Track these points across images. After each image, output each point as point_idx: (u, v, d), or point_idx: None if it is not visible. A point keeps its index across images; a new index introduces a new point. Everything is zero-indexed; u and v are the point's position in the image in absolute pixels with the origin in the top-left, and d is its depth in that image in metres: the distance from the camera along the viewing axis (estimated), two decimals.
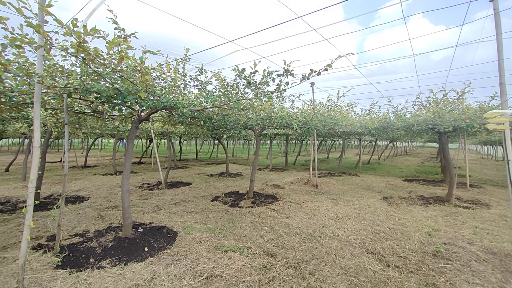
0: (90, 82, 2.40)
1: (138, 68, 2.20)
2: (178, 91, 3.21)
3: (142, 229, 4.02)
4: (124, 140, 22.83)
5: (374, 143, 17.86)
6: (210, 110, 3.54)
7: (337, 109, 4.85)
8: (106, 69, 2.28)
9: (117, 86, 2.42)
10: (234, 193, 6.92)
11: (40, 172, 5.10)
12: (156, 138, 11.65)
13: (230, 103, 3.00)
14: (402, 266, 2.94)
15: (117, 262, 2.91)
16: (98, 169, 12.18)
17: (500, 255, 3.21)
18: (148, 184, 8.41)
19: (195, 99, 3.52)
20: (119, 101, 2.92)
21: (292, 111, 5.11)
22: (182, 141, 23.62)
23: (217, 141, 13.05)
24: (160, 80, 3.07)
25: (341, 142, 29.48)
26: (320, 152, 27.77)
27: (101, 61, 2.07)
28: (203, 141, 29.26)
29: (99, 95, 2.73)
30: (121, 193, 3.45)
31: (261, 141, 34.42)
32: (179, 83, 3.21)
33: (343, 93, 4.54)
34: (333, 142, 21.36)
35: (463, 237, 3.75)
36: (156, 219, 4.52)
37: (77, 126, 5.14)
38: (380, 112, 6.07)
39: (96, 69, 2.18)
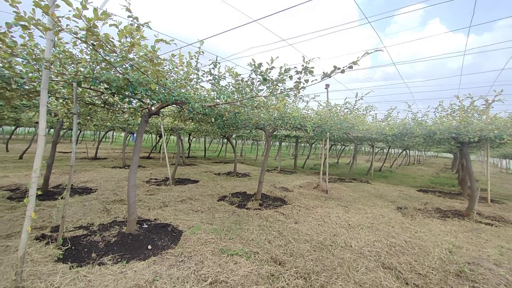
0: (100, 71, 2.29)
1: (150, 56, 2.07)
2: (190, 85, 3.08)
3: (146, 226, 3.91)
4: (135, 134, 23.19)
5: (387, 151, 17.33)
6: (222, 106, 3.40)
7: (354, 112, 4.62)
8: (117, 58, 2.17)
9: (128, 76, 2.31)
10: (241, 194, 6.77)
11: (48, 162, 5.12)
12: (166, 134, 11.65)
13: (244, 100, 2.85)
14: (422, 285, 2.69)
15: (119, 259, 2.79)
16: (107, 162, 12.31)
17: None
18: (156, 179, 8.37)
19: (207, 94, 3.38)
20: (129, 93, 2.81)
21: (306, 113, 4.91)
22: (191, 138, 23.75)
23: (226, 139, 12.94)
24: (172, 73, 2.95)
25: (352, 147, 28.94)
26: (330, 157, 27.31)
27: (111, 48, 1.96)
28: (212, 139, 29.34)
29: (108, 86, 2.62)
30: (127, 188, 3.35)
31: (270, 142, 34.21)
32: (191, 76, 3.08)
33: (362, 96, 4.31)
34: (344, 147, 20.93)
35: (489, 257, 3.45)
36: (162, 216, 4.41)
37: (88, 117, 5.12)
38: (398, 118, 5.78)
39: (106, 56, 2.07)
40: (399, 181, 11.71)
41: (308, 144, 20.48)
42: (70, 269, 2.55)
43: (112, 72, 2.39)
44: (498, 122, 4.33)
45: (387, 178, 12.58)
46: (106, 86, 2.79)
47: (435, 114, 5.18)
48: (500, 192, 9.94)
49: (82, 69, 2.38)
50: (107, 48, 1.98)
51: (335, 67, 2.15)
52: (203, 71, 2.93)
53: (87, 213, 4.30)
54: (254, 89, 2.77)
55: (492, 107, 4.08)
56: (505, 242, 4.10)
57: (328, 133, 6.22)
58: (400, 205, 6.49)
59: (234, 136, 13.97)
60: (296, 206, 5.66)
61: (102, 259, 2.78)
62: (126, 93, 2.89)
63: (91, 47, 1.99)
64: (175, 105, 4.28)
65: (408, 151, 22.60)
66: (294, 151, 15.33)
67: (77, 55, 2.33)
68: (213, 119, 3.85)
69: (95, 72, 2.29)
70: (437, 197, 8.19)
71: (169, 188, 6.88)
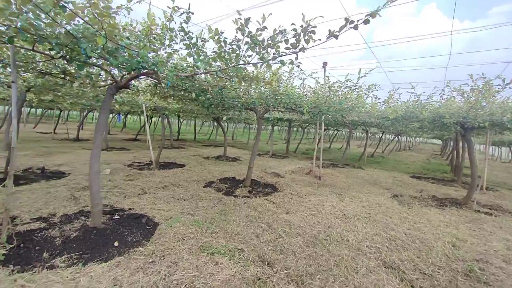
0: (24, 19, 1.67)
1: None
2: (162, 49, 2.48)
3: (118, 217, 3.42)
4: (122, 115, 22.11)
5: (380, 136, 17.12)
6: (203, 78, 2.83)
7: (356, 91, 4.11)
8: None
9: (68, 27, 1.71)
10: (230, 179, 6.33)
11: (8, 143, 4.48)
12: (151, 114, 10.92)
13: (229, 68, 2.29)
14: None
15: (76, 261, 2.32)
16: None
17: None
18: (139, 163, 7.81)
19: (185, 64, 2.79)
20: (85, 57, 2.20)
21: (302, 92, 4.38)
22: (181, 120, 22.89)
23: (216, 122, 12.31)
24: (136, 30, 2.33)
25: (344, 132, 28.71)
26: (323, 142, 27.10)
27: None
28: (202, 122, 28.49)
29: (52, 45, 2.00)
30: (89, 175, 2.82)
31: (262, 126, 33.53)
32: (165, 38, 2.47)
33: (365, 73, 3.80)
34: (337, 132, 20.63)
35: (496, 253, 3.17)
36: (138, 205, 3.92)
37: (51, 92, 4.42)
38: (400, 100, 5.32)
39: None
40: (392, 167, 11.54)
41: (301, 128, 20.06)
42: (9, 274, 2.06)
43: (47, 22, 1.77)
44: (511, 106, 3.94)
45: (380, 164, 12.41)
46: (50, 46, 2.15)
47: (441, 97, 4.75)
48: (492, 179, 9.90)
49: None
50: None
51: (346, 20, 1.61)
52: (176, 32, 2.32)
53: (50, 202, 3.76)
54: (241, 54, 2.21)
55: (510, 87, 3.67)
56: (509, 235, 3.85)
57: (323, 116, 5.73)
58: (396, 193, 6.22)
59: (224, 118, 13.33)
60: (287, 193, 5.27)
61: (54, 260, 2.29)
62: (80, 58, 2.27)
63: None
64: (150, 79, 3.66)
65: (400, 137, 22.56)
66: (287, 135, 14.89)
67: None
68: (193, 95, 3.27)
69: (20, 19, 1.67)
70: (431, 183, 8.00)
71: (152, 173, 6.35)
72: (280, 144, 19.96)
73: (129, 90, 4.38)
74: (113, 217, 3.39)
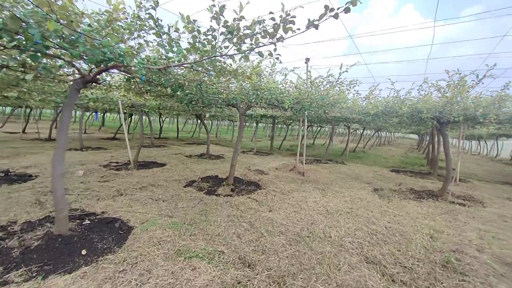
0: None
1: None
2: (131, 39, 2.28)
3: (88, 222, 3.18)
4: (99, 113, 21.07)
5: (361, 132, 17.57)
6: (180, 72, 2.65)
7: (337, 86, 4.09)
8: None
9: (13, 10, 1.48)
10: (212, 178, 6.16)
11: None
12: (129, 112, 10.43)
13: (204, 60, 2.14)
14: (409, 282, 2.37)
15: (35, 274, 2.09)
16: None
17: None
18: (116, 163, 7.42)
19: (157, 56, 2.59)
20: (39, 46, 1.95)
21: (284, 87, 4.29)
22: (163, 118, 22.20)
23: (199, 120, 12.00)
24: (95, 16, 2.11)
25: (327, 129, 29.25)
26: (306, 138, 27.43)
27: None
28: (186, 119, 27.85)
29: None
30: (52, 178, 2.57)
31: (246, 123, 33.32)
32: (134, 27, 2.26)
33: (347, 68, 3.77)
34: (320, 128, 20.93)
35: (471, 243, 3.27)
36: (112, 208, 3.68)
37: (13, 88, 4.03)
38: (380, 96, 5.40)
39: None
40: (373, 162, 11.86)
41: (285, 125, 20.13)
42: None
43: None
44: (483, 101, 4.10)
45: (361, 159, 12.71)
46: None
47: (419, 92, 4.86)
48: (464, 171, 10.43)
49: None
50: None
51: (326, 7, 1.52)
52: (145, 18, 2.12)
53: (11, 208, 3.43)
54: (216, 45, 2.06)
55: (482, 83, 3.80)
56: (481, 224, 4.02)
57: (306, 112, 5.70)
58: (376, 187, 6.35)
59: (207, 116, 13.05)
60: (271, 190, 5.21)
61: (8, 275, 2.05)
62: (39, 49, 2.02)
63: None
64: (122, 73, 3.42)
65: (379, 132, 23.31)
66: (271, 132, 14.86)
67: None
68: (169, 90, 3.08)
69: None
70: (409, 177, 8.27)
71: (129, 173, 6.05)
72: (265, 141, 19.96)
73: (100, 85, 4.09)
74: (83, 222, 3.14)
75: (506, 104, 4.34)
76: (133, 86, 4.01)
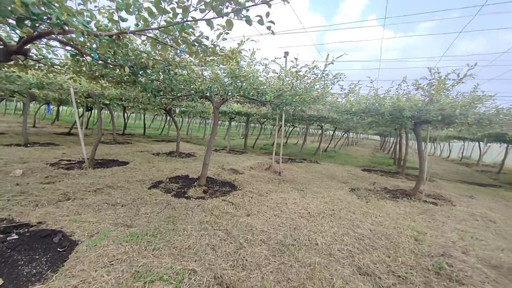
0: None
1: None
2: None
3: (16, 236, 2.46)
4: (51, 105, 18.74)
5: (332, 132, 18.01)
6: (139, 46, 2.09)
7: (323, 78, 3.79)
8: None
9: None
10: (182, 178, 5.56)
11: None
12: (86, 103, 9.23)
13: (172, 26, 1.64)
14: None
15: None
16: (4, 138, 9.31)
17: (503, 269, 2.67)
18: (68, 161, 6.41)
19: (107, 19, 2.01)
20: None
21: (266, 78, 3.89)
22: (128, 113, 20.48)
23: (166, 114, 11.07)
24: None
25: (298, 128, 29.72)
26: (279, 137, 27.52)
27: None
28: (154, 115, 26.14)
29: None
30: None
31: (219, 122, 32.39)
32: None
33: (333, 60, 3.50)
34: (292, 127, 21.05)
35: (455, 244, 3.20)
36: (53, 217, 2.95)
37: None
38: (360, 94, 5.29)
39: None
40: (344, 161, 12.07)
41: (258, 124, 19.86)
42: None
43: None
44: (460, 101, 4.14)
45: (333, 158, 12.90)
46: None
47: (397, 91, 4.82)
48: (427, 170, 11.07)
49: None
50: None
51: None
52: None
53: None
54: (189, 5, 1.57)
55: (463, 82, 3.82)
56: (457, 224, 4.04)
57: (284, 108, 5.37)
58: (353, 186, 6.29)
59: (178, 111, 12.18)
60: (247, 192, 4.79)
61: None
62: None
63: None
64: (68, 48, 2.72)
65: (348, 133, 24.26)
66: (245, 130, 14.45)
67: None
68: (126, 69, 2.47)
69: None
70: (380, 176, 8.46)
71: (83, 173, 5.18)
72: (238, 140, 19.48)
73: (40, 64, 3.28)
74: (8, 238, 2.41)
75: (477, 106, 4.45)
76: (83, 68, 3.28)
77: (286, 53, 5.75)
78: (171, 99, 5.45)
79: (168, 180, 5.26)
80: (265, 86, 3.73)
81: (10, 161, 5.75)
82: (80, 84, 4.86)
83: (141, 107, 11.82)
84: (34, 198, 3.49)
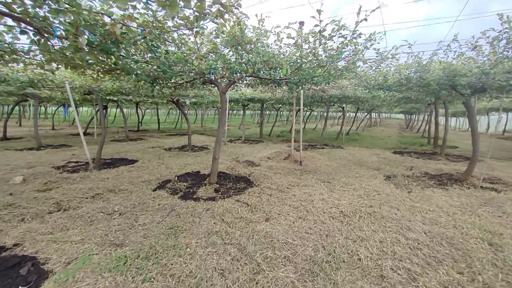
0: None
1: None
2: None
3: None
4: (67, 108, 19.08)
5: (355, 114, 16.73)
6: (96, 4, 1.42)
7: (352, 42, 2.91)
8: None
9: None
10: (192, 175, 5.00)
11: None
12: (92, 101, 8.93)
13: None
14: None
15: None
16: (20, 143, 9.36)
17: None
18: (76, 162, 6.11)
19: None
20: None
21: (279, 48, 3.09)
22: (143, 110, 20.46)
23: (175, 105, 10.56)
24: None
25: (315, 113, 28.28)
26: (297, 122, 26.40)
27: None
28: (168, 110, 26.03)
29: None
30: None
31: (232, 111, 31.64)
32: None
33: (366, 15, 2.62)
34: (310, 112, 19.90)
35: None
36: (33, 236, 2.47)
37: None
38: (393, 64, 4.29)
39: None
40: (370, 144, 11.00)
41: (274, 110, 18.96)
42: None
43: None
44: None
45: (357, 142, 11.84)
46: None
47: (446, 54, 3.81)
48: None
49: None
50: None
51: None
52: None
53: None
54: None
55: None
56: None
57: (303, 87, 4.53)
58: (387, 173, 5.42)
59: (188, 102, 11.63)
60: (265, 188, 4.13)
61: None
62: None
63: None
64: (29, 29, 2.11)
65: (371, 113, 22.65)
66: (260, 117, 13.70)
67: None
68: (84, 40, 1.81)
69: None
70: (416, 159, 7.43)
71: (86, 176, 4.78)
72: (253, 128, 18.79)
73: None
74: None
75: None
76: (53, 55, 2.68)
77: (302, 23, 4.85)
78: (172, 88, 4.82)
79: (176, 178, 4.72)
80: (278, 59, 2.94)
81: (17, 166, 5.51)
82: (66, 77, 4.34)
83: (151, 101, 11.43)
84: (21, 211, 3.06)
